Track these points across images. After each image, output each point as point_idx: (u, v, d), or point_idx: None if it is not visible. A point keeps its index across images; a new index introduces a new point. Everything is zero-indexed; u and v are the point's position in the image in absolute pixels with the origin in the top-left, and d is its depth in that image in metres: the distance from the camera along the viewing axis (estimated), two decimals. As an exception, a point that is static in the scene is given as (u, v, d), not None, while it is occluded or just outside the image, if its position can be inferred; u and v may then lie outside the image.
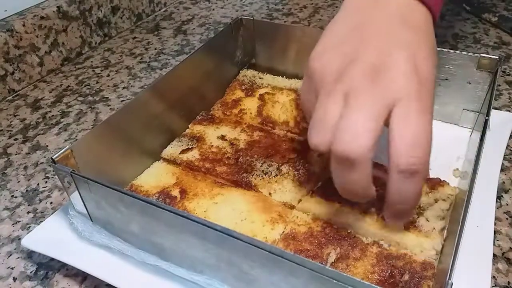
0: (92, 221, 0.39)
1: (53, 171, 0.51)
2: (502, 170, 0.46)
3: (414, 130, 0.30)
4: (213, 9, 0.89)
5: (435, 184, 0.42)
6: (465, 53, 0.47)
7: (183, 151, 0.48)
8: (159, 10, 0.90)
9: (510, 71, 0.62)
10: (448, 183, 0.43)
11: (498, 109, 0.54)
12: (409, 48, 0.32)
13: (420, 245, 0.36)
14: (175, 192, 0.43)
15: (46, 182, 0.50)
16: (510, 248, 0.39)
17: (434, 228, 0.37)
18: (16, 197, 0.48)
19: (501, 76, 0.61)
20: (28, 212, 0.46)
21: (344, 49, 0.34)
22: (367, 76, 0.31)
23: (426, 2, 0.35)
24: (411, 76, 0.31)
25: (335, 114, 0.31)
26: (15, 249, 0.43)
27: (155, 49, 0.76)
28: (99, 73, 0.70)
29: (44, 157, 0.54)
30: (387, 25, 0.34)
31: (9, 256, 0.42)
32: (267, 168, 0.45)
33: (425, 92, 0.31)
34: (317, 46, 0.36)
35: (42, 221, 0.42)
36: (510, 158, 0.48)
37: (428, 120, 0.31)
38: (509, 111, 0.55)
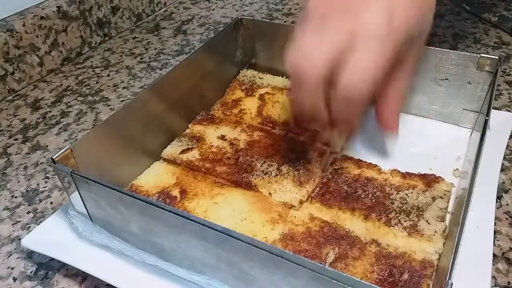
0: (92, 221, 0.39)
1: (53, 171, 0.51)
2: (502, 170, 0.46)
3: (361, 66, 0.34)
4: (213, 9, 0.89)
5: (431, 180, 0.43)
6: (465, 53, 0.47)
7: (183, 151, 0.48)
8: (159, 10, 0.90)
9: (510, 71, 0.62)
10: (443, 179, 0.43)
11: (498, 109, 0.54)
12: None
13: (422, 250, 0.36)
14: (175, 192, 0.43)
15: (46, 182, 0.50)
16: (510, 248, 0.39)
17: (435, 232, 0.37)
18: (16, 197, 0.48)
19: (501, 76, 0.61)
20: (28, 212, 0.46)
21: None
22: (343, 9, 0.35)
23: None
24: (382, 21, 0.34)
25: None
26: (15, 249, 0.43)
27: (155, 49, 0.76)
28: (99, 73, 0.70)
29: (44, 157, 0.54)
30: None
31: (9, 256, 0.42)
32: (267, 168, 0.45)
33: (390, 40, 0.34)
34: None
35: (42, 221, 0.42)
36: (510, 158, 0.48)
37: (379, 64, 0.34)
38: (509, 111, 0.55)
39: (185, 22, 0.84)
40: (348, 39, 0.33)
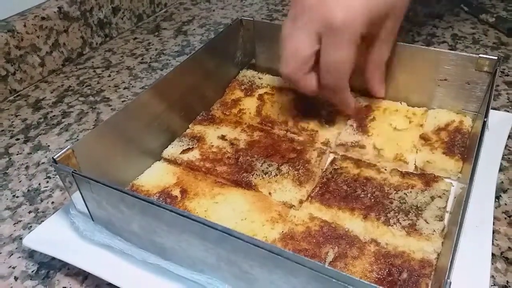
0: (93, 220, 0.40)
1: (55, 171, 0.51)
2: (500, 170, 0.46)
3: (330, 60, 0.41)
4: (214, 10, 0.89)
5: (430, 180, 0.43)
6: (464, 53, 0.48)
7: (183, 151, 0.48)
8: (160, 10, 0.90)
9: (509, 71, 0.63)
10: (442, 178, 0.43)
11: (497, 110, 0.54)
12: None
13: (421, 249, 0.37)
14: (176, 192, 0.43)
15: (48, 182, 0.50)
16: (509, 247, 0.40)
17: (434, 231, 0.38)
18: (17, 196, 0.49)
19: (499, 76, 0.61)
20: (30, 212, 0.47)
21: None
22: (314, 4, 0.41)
23: None
24: (339, 8, 0.39)
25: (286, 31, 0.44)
26: (16, 248, 0.43)
27: (156, 49, 0.76)
28: (100, 74, 0.71)
29: (46, 157, 0.54)
30: None
31: (10, 256, 0.42)
32: (267, 168, 0.45)
33: (349, 26, 0.39)
34: None
35: (43, 221, 0.42)
36: (509, 158, 0.48)
37: (345, 53, 0.41)
38: (508, 111, 0.55)
39: (186, 23, 0.85)
40: (317, 33, 0.41)
